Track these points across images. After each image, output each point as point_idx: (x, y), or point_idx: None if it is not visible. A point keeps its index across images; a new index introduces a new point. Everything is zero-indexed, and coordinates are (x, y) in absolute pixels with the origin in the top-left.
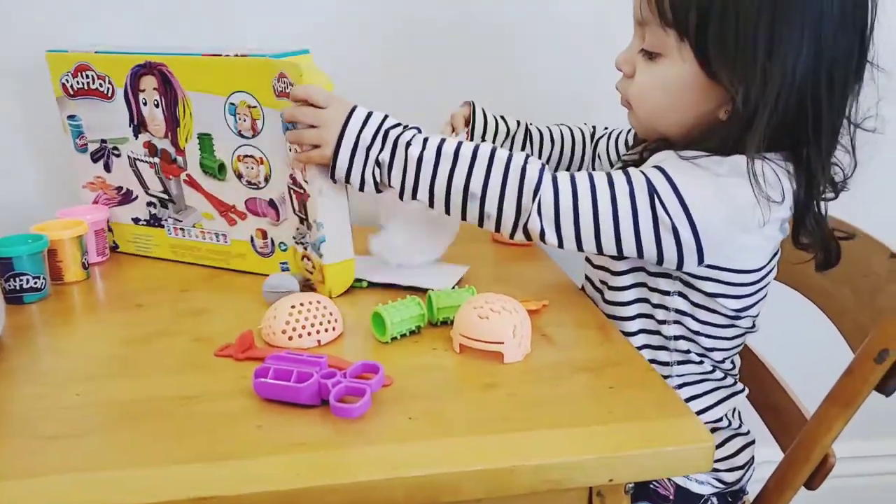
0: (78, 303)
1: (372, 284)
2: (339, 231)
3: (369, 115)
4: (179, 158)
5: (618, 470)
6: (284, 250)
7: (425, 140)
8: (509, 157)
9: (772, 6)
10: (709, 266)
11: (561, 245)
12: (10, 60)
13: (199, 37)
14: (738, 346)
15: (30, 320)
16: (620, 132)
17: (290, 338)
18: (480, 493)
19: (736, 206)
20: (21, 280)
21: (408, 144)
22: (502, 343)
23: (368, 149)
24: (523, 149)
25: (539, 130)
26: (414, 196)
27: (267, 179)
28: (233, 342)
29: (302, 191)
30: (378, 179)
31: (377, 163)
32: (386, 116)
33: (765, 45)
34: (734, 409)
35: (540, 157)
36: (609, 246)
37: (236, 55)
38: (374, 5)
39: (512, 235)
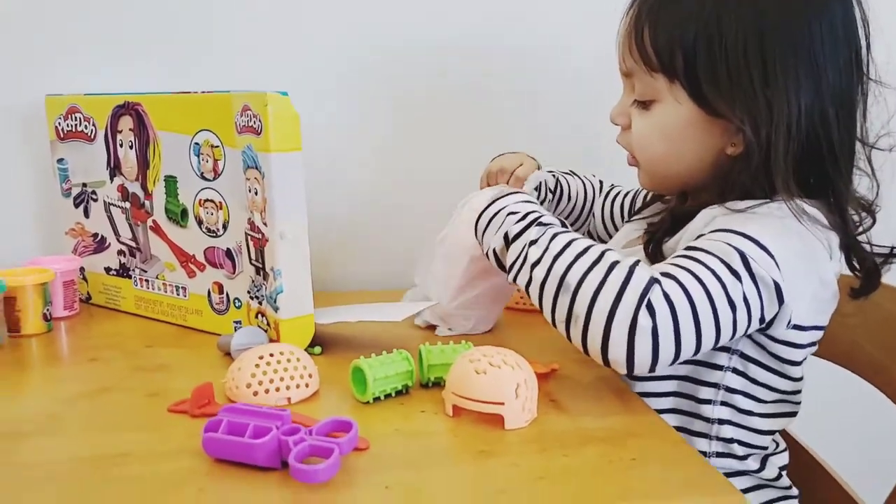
0: (30, 356)
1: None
2: (299, 282)
3: (531, 201)
4: (147, 203)
5: None
6: (238, 307)
7: (550, 225)
8: (619, 259)
9: (757, 35)
10: (795, 327)
11: (677, 354)
12: (17, 104)
13: (194, 83)
14: (783, 427)
15: None
16: (619, 193)
17: (256, 393)
18: None
19: (806, 246)
20: None
21: (536, 225)
22: (503, 404)
23: (508, 216)
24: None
25: (561, 185)
26: (516, 279)
27: (225, 226)
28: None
29: (260, 236)
30: (498, 250)
31: (505, 234)
32: (540, 207)
33: (759, 74)
34: None
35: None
36: (726, 336)
37: (203, 92)
38: (365, 53)
39: (605, 346)
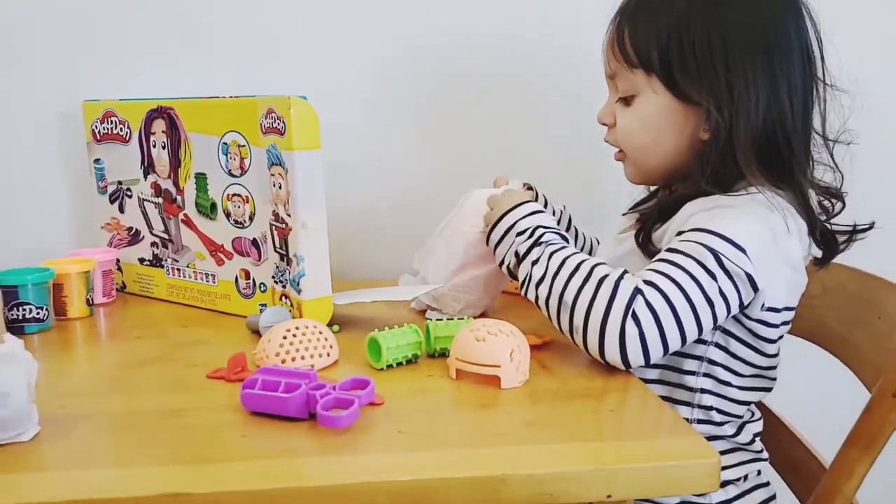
0: (79, 336)
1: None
2: (319, 266)
3: (535, 212)
4: (179, 198)
5: (616, 484)
6: (264, 291)
7: (549, 244)
8: (607, 273)
9: (719, 32)
10: (769, 309)
11: (666, 350)
12: (54, 109)
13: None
14: (758, 400)
15: (28, 348)
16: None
17: (283, 361)
18: (469, 503)
19: (776, 236)
20: (24, 310)
21: (539, 245)
22: (499, 367)
23: (518, 235)
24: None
25: (577, 230)
26: (526, 293)
27: (251, 218)
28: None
29: (283, 226)
30: (511, 267)
31: (515, 252)
32: (548, 218)
33: (721, 62)
34: (757, 472)
35: None
36: (708, 327)
37: (231, 97)
38: (384, 59)
39: (601, 350)
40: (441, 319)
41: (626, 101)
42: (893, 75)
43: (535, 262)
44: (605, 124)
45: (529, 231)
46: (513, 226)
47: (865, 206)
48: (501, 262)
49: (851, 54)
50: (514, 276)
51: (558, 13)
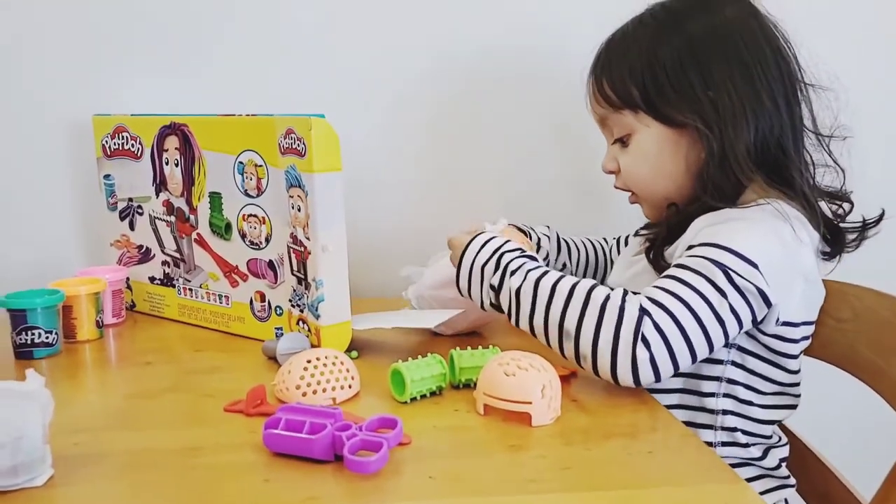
0: (88, 360)
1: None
2: (338, 291)
3: (489, 240)
4: (192, 217)
5: None
6: (280, 315)
7: (528, 271)
8: (607, 296)
9: (689, 51)
10: (786, 323)
11: (676, 369)
12: (64, 122)
13: (233, 106)
14: (783, 418)
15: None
16: (618, 238)
17: (304, 394)
18: None
19: (787, 248)
20: (33, 334)
21: (511, 273)
22: (530, 403)
23: (483, 268)
24: (555, 257)
25: (567, 242)
26: (517, 324)
27: (268, 240)
28: (244, 398)
29: (302, 249)
30: (493, 302)
31: (490, 286)
32: (506, 241)
33: (699, 80)
34: (784, 500)
35: (571, 266)
36: (720, 344)
37: (248, 115)
38: (398, 75)
39: (614, 376)
40: (466, 349)
41: (624, 142)
42: (872, 70)
43: (517, 291)
44: (611, 171)
45: (494, 261)
46: (473, 263)
47: (872, 203)
48: (482, 303)
49: (828, 52)
50: (499, 310)
51: (580, 33)
